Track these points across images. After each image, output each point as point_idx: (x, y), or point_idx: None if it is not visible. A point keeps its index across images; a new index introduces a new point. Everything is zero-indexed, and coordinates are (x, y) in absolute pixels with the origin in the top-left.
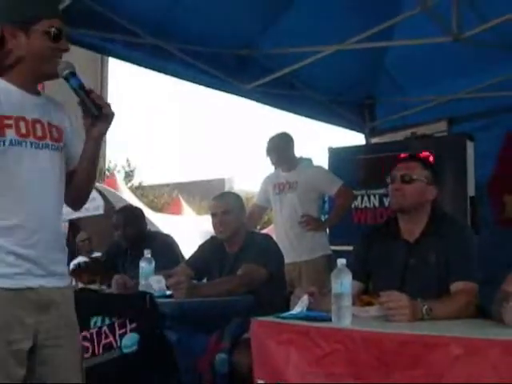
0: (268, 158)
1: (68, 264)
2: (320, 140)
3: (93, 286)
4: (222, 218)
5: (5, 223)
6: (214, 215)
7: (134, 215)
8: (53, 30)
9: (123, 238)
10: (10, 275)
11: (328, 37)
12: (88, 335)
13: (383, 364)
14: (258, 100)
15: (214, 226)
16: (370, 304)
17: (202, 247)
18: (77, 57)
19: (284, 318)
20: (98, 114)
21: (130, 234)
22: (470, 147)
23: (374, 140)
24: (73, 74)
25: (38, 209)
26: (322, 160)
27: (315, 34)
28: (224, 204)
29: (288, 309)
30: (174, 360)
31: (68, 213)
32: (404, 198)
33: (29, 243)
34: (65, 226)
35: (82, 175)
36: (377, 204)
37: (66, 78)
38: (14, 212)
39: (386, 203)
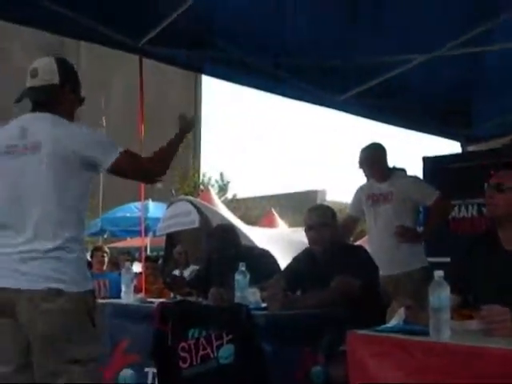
0: (361, 170)
1: (169, 276)
2: (413, 149)
3: (190, 299)
4: (318, 230)
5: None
6: (309, 228)
7: (226, 236)
8: (83, 97)
9: (219, 259)
10: None
11: (423, 43)
12: (186, 346)
13: (484, 380)
14: (349, 111)
15: (310, 238)
16: (469, 318)
17: (295, 260)
18: (171, 75)
19: (381, 330)
20: None
21: (224, 255)
22: None
23: (471, 148)
24: None
25: None
26: (416, 170)
27: (407, 41)
28: (320, 217)
29: (384, 322)
30: (269, 372)
31: (165, 227)
32: (496, 207)
33: None
34: (162, 240)
35: None
36: (475, 213)
37: None
38: None
39: (485, 212)
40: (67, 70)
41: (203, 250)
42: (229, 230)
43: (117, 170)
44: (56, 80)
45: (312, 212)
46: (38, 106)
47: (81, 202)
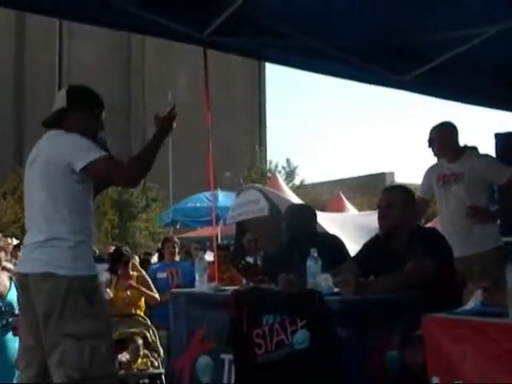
0: (430, 150)
1: (241, 263)
2: (486, 126)
3: (263, 285)
4: (384, 211)
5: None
6: (378, 208)
7: (303, 213)
8: (99, 115)
9: (291, 232)
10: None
11: (489, 16)
12: (261, 332)
13: None
14: (416, 91)
15: (377, 218)
16: None
17: (367, 244)
18: (234, 65)
19: (458, 313)
20: None
21: (298, 229)
22: None
23: None
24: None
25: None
26: (488, 148)
27: (474, 14)
28: (388, 198)
29: (460, 304)
30: (344, 357)
31: (235, 216)
32: None
33: None
34: (232, 228)
35: None
36: None
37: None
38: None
39: None
40: (74, 95)
41: (273, 234)
42: (306, 209)
43: (89, 171)
44: (64, 104)
45: (384, 192)
46: (52, 126)
47: (72, 201)
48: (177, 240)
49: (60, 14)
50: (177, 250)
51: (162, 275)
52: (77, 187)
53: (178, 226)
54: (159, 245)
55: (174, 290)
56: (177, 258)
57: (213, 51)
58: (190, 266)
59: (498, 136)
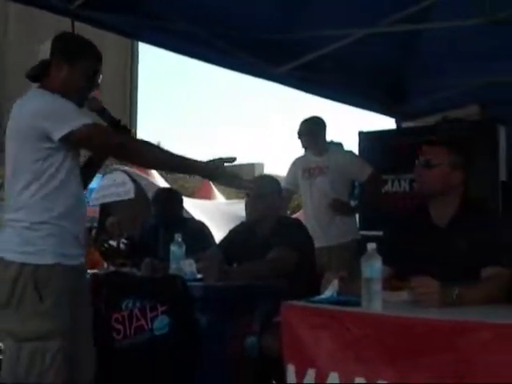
0: (299, 141)
1: (103, 245)
2: (350, 124)
3: (124, 269)
4: (252, 200)
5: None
6: (247, 196)
7: (170, 198)
8: (95, 71)
9: (158, 216)
10: None
11: (360, 19)
12: (120, 317)
13: (413, 349)
14: (288, 84)
15: (245, 207)
16: (400, 289)
17: (232, 231)
18: (107, 41)
19: (314, 302)
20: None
21: (166, 213)
22: (502, 131)
23: (406, 124)
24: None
25: None
26: (352, 144)
27: (346, 16)
28: (257, 187)
29: (318, 293)
30: (203, 342)
31: (99, 197)
32: (424, 183)
33: None
34: (96, 211)
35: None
36: (407, 188)
37: (100, 112)
38: None
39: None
40: (60, 44)
41: (139, 218)
42: (177, 194)
43: (73, 141)
44: (48, 55)
45: (253, 182)
46: (34, 81)
47: (43, 174)
48: None
49: None
50: None
51: None
52: (52, 158)
53: None
54: None
55: None
56: None
57: (86, 26)
58: None
59: (361, 134)
